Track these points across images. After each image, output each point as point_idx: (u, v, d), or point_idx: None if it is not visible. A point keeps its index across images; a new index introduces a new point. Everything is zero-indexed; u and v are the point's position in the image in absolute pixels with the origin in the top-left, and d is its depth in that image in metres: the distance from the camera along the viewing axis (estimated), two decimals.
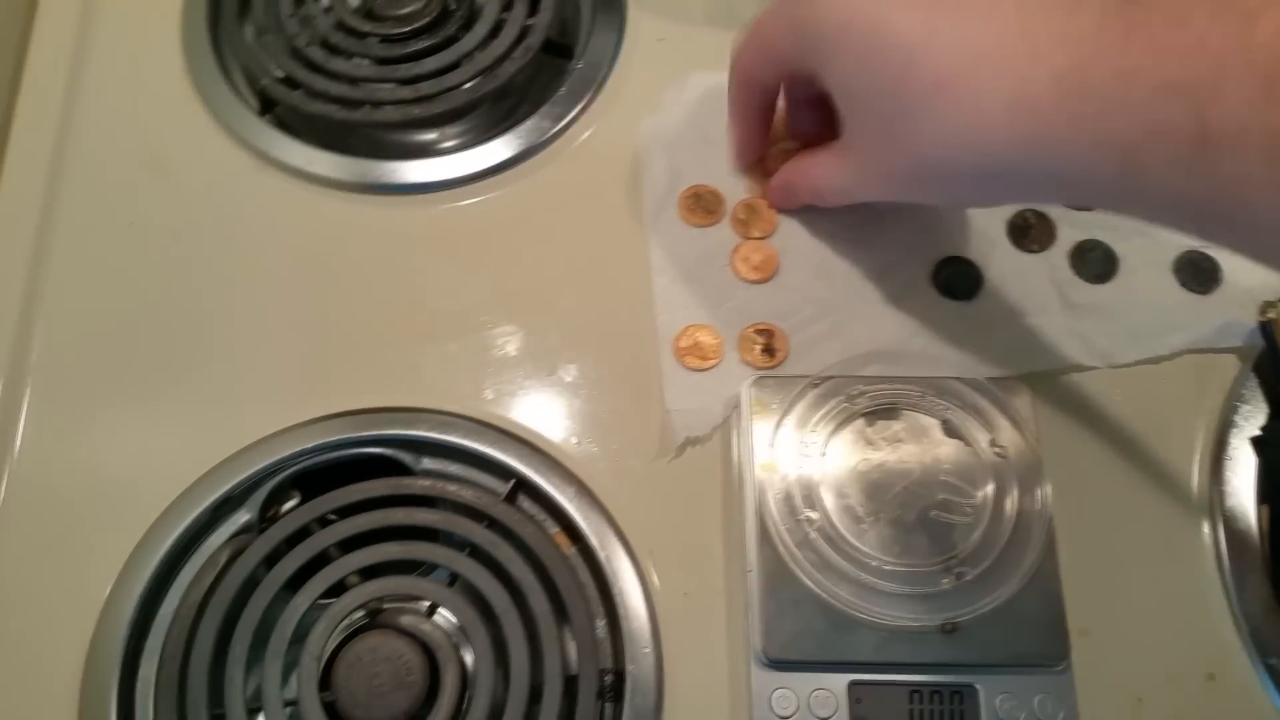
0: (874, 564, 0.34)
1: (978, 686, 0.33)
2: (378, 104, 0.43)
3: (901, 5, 0.30)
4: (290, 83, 0.44)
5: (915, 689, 0.33)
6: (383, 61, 0.44)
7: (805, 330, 0.39)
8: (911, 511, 0.35)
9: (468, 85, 0.43)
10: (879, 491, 0.35)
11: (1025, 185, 0.31)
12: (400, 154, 0.43)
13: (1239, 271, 0.39)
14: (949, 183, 0.32)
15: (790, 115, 0.40)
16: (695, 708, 0.34)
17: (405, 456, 0.38)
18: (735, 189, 0.42)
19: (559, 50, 0.45)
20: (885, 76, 0.31)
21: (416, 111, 0.43)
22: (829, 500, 0.35)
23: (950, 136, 0.29)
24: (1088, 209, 0.40)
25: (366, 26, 0.45)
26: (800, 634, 0.33)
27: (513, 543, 0.36)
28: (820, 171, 0.37)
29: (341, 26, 0.45)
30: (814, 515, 0.35)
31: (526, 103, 0.46)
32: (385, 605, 0.36)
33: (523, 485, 0.37)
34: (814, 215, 0.41)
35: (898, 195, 0.35)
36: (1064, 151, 0.27)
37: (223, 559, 0.36)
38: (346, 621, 0.35)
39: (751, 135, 0.41)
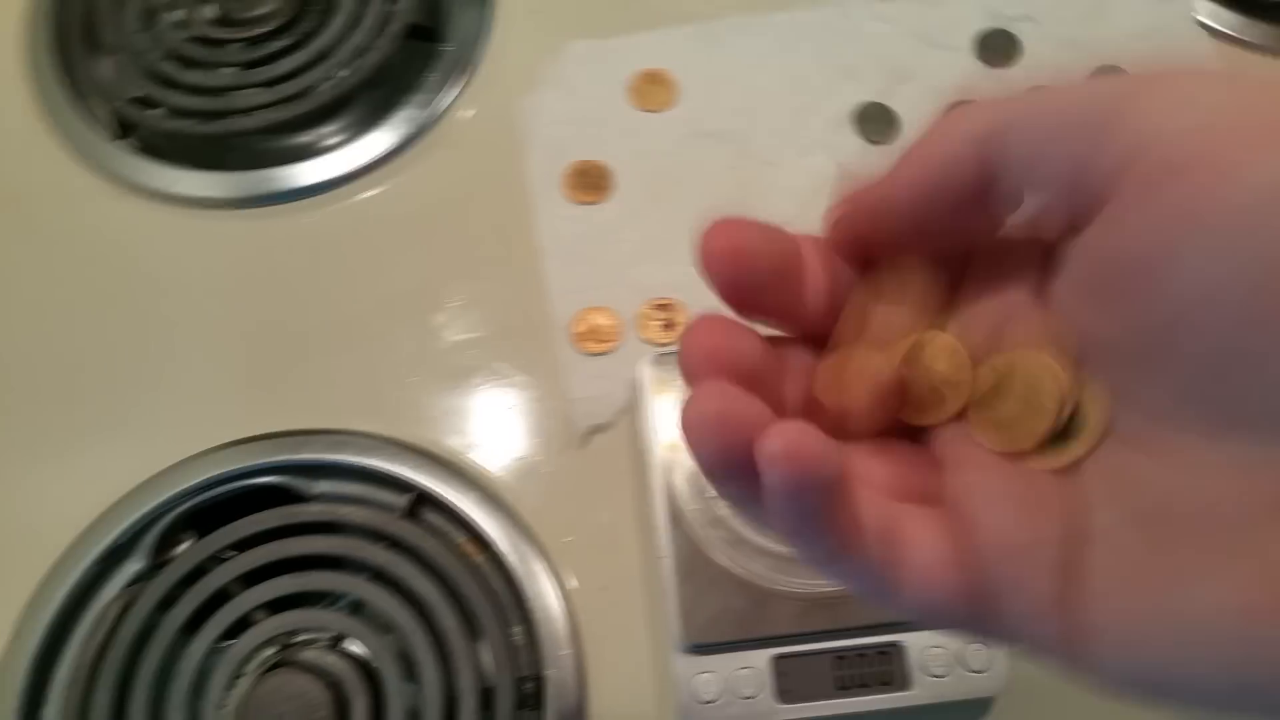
0: None
1: (904, 643, 0.32)
2: (244, 112, 0.41)
3: None
4: (147, 102, 0.41)
5: (840, 654, 0.32)
6: (248, 66, 0.42)
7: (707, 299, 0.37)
8: None
9: (331, 81, 0.41)
10: None
11: None
12: (283, 159, 0.41)
13: None
14: None
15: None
16: (620, 703, 0.33)
17: (298, 482, 0.36)
18: (622, 161, 0.40)
19: (425, 34, 0.43)
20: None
21: (276, 115, 0.40)
22: None
23: None
24: None
25: (225, 34, 0.42)
26: (719, 615, 0.31)
27: (416, 560, 0.34)
28: None
29: (199, 38, 0.42)
30: None
31: (401, 91, 0.43)
32: (295, 640, 0.34)
33: (424, 498, 0.36)
34: (717, 171, 0.39)
35: None
36: None
37: (112, 614, 0.34)
38: (257, 661, 0.34)
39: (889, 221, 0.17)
